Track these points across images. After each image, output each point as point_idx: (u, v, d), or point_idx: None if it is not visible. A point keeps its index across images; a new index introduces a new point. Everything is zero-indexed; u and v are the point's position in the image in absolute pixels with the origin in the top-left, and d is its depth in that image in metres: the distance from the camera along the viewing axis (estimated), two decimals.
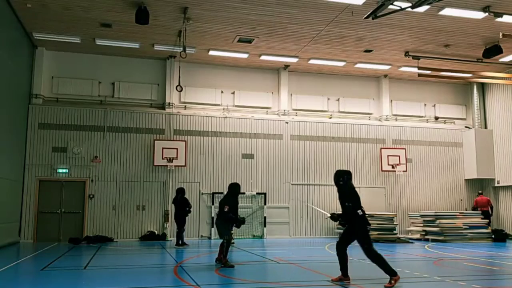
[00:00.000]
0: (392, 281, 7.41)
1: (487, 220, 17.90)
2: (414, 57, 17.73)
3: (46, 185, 16.71)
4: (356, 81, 20.63)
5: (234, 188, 10.39)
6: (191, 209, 15.58)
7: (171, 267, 10.04)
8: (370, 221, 19.02)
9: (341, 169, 8.40)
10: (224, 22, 14.92)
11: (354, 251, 13.43)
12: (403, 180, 20.24)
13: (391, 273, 7.49)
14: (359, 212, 7.65)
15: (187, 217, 15.39)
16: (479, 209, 18.39)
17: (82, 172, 17.13)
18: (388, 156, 19.87)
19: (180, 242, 14.87)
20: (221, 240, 10.09)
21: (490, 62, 17.85)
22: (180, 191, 15.30)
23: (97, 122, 17.49)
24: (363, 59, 18.45)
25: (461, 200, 20.76)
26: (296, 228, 18.80)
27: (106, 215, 17.08)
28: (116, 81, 18.06)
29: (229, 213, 9.99)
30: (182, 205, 15.10)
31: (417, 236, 17.95)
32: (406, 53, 17.66)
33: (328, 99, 20.15)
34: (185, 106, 18.55)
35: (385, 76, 20.57)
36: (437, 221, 17.03)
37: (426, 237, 17.53)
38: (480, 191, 19.74)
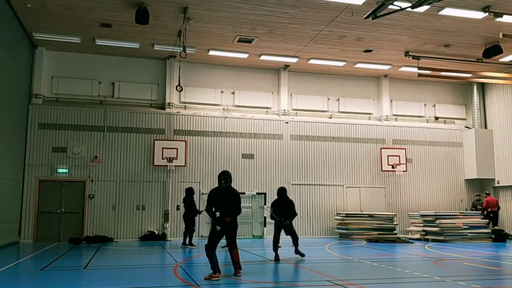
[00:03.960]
0: (209, 276, 8.15)
1: (495, 221, 17.85)
2: (414, 57, 17.73)
3: (46, 185, 16.70)
4: (356, 81, 20.63)
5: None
6: (200, 210, 15.27)
7: (171, 267, 10.04)
8: (370, 221, 19.07)
9: (225, 170, 9.11)
10: (224, 22, 14.92)
11: (355, 250, 13.44)
12: (403, 180, 20.24)
13: (214, 270, 8.20)
14: (217, 214, 8.51)
15: (196, 218, 15.32)
16: (489, 209, 18.23)
17: (82, 172, 17.13)
18: (388, 156, 19.86)
19: (187, 242, 14.81)
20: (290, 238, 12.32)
21: (490, 62, 17.84)
22: (187, 191, 15.26)
23: (97, 122, 17.50)
24: (363, 59, 18.45)
25: (461, 200, 20.75)
26: (296, 228, 18.65)
27: (106, 215, 17.09)
28: (116, 81, 18.06)
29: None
30: (188, 205, 15.07)
31: (417, 236, 17.94)
32: (406, 53, 17.66)
33: (328, 99, 20.15)
34: (185, 106, 18.56)
35: (385, 76, 20.57)
36: (437, 221, 17.03)
37: (426, 237, 17.53)
38: (487, 192, 19.60)
